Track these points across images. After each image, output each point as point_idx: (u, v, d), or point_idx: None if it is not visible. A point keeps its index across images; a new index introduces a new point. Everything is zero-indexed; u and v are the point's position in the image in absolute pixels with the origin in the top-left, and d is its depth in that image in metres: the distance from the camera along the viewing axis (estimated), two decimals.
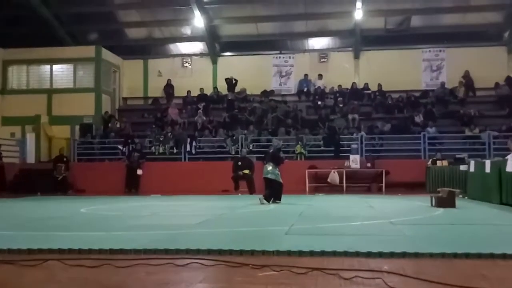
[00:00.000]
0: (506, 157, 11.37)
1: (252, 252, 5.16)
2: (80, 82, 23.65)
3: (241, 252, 5.17)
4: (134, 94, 25.58)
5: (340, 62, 24.43)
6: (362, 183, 18.74)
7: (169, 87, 24.89)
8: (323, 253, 5.06)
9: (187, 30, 24.80)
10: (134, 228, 7.35)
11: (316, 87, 23.74)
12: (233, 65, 24.71)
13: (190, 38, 25.04)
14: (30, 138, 22.22)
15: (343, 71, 24.20)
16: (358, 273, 4.25)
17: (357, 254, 5.03)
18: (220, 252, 5.19)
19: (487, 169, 12.13)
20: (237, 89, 23.95)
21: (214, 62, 25.17)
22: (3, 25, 23.30)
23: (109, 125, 22.70)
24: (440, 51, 23.83)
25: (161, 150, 20.45)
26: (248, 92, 23.90)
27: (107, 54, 24.03)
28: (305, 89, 23.93)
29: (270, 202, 11.98)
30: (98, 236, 6.58)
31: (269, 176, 12.28)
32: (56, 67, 23.60)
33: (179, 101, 24.27)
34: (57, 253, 5.22)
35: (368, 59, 24.29)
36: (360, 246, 5.29)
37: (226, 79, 23.85)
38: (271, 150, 13.20)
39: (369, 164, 18.63)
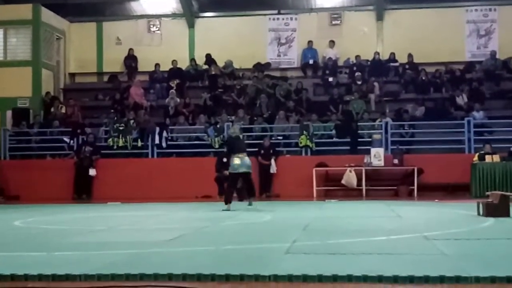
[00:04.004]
0: None
1: (242, 277, 5.15)
2: (12, 53, 23.49)
3: (227, 278, 5.15)
4: (84, 69, 25.44)
5: (358, 24, 24.41)
6: (387, 185, 18.78)
7: (131, 59, 24.78)
8: (335, 278, 5.06)
9: None
10: (84, 247, 7.32)
11: (326, 58, 23.74)
12: (216, 29, 24.63)
13: None
14: None
15: (362, 37, 24.18)
16: None
17: (380, 279, 5.03)
18: (199, 277, 5.17)
19: None
20: (221, 62, 23.89)
21: (191, 25, 25.07)
22: None
23: (52, 110, 22.58)
24: (490, 9, 23.86)
25: (121, 143, 20.39)
26: (236, 66, 23.83)
27: (48, 16, 23.86)
28: (311, 62, 23.92)
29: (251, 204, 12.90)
30: (37, 257, 6.54)
31: (250, 170, 13.09)
32: None
33: (145, 77, 24.19)
34: None
35: (395, 21, 24.28)
36: (384, 269, 5.29)
37: (207, 56, 23.79)
38: (233, 135, 13.61)
39: (396, 161, 18.67)
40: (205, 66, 23.90)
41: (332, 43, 23.90)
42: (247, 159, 13.06)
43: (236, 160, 12.94)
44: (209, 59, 23.86)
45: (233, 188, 13.48)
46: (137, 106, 22.26)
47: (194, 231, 9.16)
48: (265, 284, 5.02)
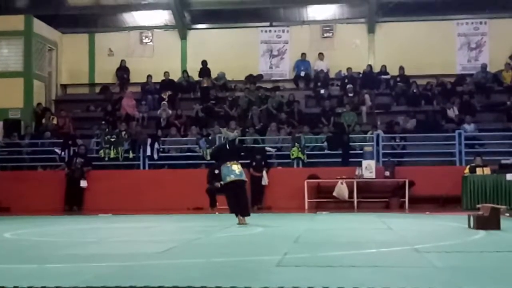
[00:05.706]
0: None
1: None
2: (4, 64, 23.47)
3: None
4: (76, 80, 25.44)
5: (350, 37, 24.49)
6: (379, 197, 18.79)
7: (123, 71, 24.79)
8: None
9: None
10: (75, 259, 7.30)
11: (319, 70, 23.80)
12: (208, 41, 24.70)
13: (151, 6, 24.99)
14: None
15: (354, 49, 24.26)
16: None
17: None
18: None
19: None
20: (213, 73, 23.94)
21: (183, 37, 25.13)
22: None
23: (43, 121, 22.53)
24: (481, 23, 24.02)
25: (112, 155, 20.35)
26: (228, 78, 23.89)
27: (40, 27, 23.86)
28: (302, 74, 23.97)
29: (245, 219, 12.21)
30: (28, 269, 6.51)
31: (244, 177, 12.33)
32: None
33: (137, 89, 24.20)
34: None
35: (386, 33, 24.40)
36: (375, 282, 5.30)
37: (203, 62, 23.81)
38: (229, 138, 12.83)
39: (387, 173, 18.69)
40: (199, 78, 23.91)
41: (321, 55, 23.99)
42: (236, 167, 12.23)
43: (225, 170, 12.27)
44: (205, 67, 23.84)
45: (233, 198, 12.38)
46: (129, 117, 22.26)
47: (185, 243, 9.14)
48: None
